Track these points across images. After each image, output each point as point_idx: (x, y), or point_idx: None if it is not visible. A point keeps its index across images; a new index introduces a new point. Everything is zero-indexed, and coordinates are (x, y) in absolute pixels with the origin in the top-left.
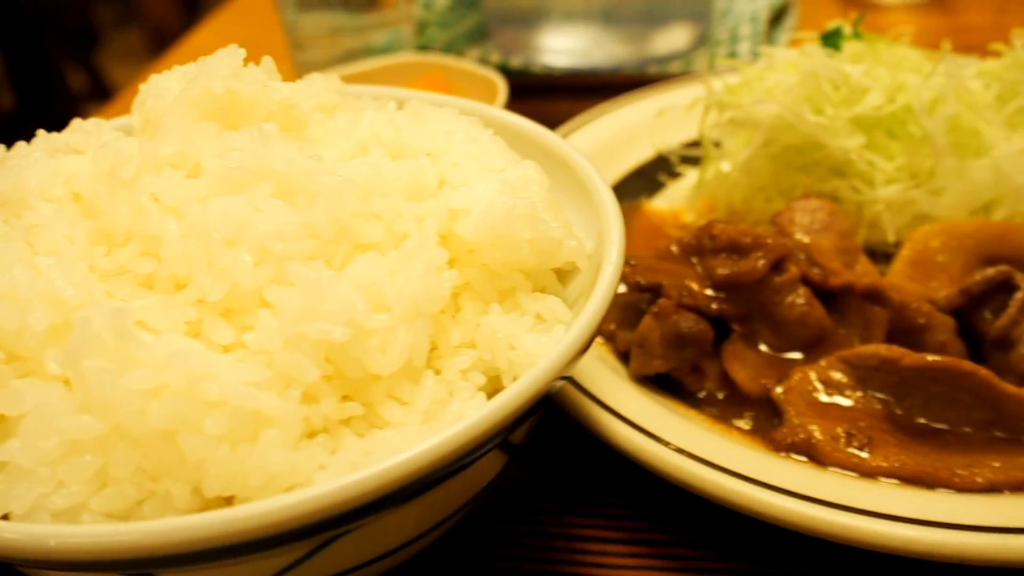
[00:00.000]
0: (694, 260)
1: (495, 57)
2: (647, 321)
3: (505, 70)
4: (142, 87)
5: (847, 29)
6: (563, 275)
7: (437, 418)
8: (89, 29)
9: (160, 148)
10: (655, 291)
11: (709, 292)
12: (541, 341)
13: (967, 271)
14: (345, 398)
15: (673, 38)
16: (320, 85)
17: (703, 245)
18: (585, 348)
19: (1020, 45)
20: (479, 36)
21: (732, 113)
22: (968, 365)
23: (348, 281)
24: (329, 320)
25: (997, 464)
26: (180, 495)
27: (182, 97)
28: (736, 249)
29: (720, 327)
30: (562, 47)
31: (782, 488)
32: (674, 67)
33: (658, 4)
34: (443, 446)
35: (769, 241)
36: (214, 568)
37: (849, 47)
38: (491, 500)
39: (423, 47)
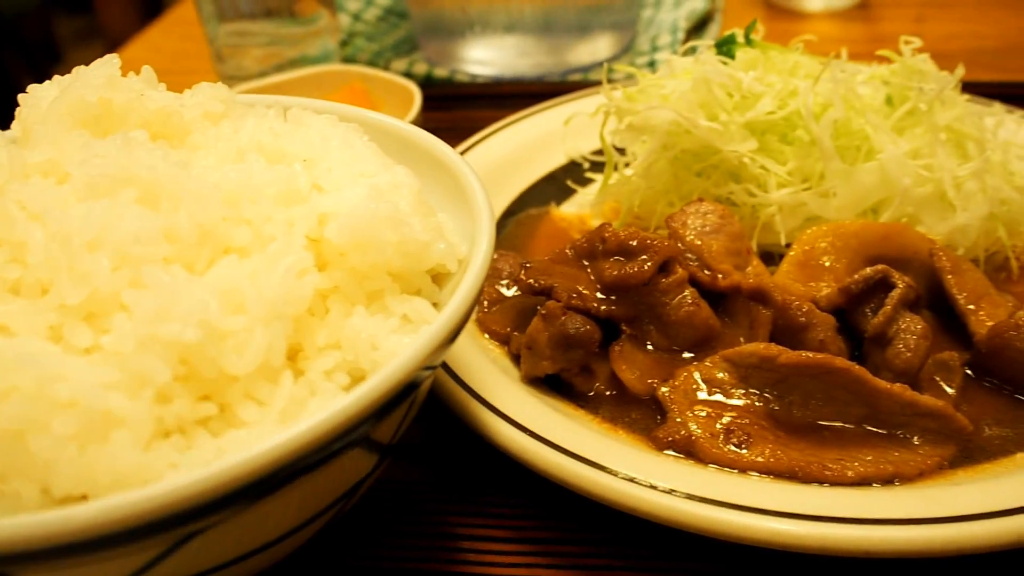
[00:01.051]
0: (586, 263)
1: (421, 68)
2: (535, 323)
3: (431, 80)
4: (21, 97)
5: (740, 37)
6: (441, 278)
7: (295, 417)
8: (50, 44)
9: (29, 156)
10: (547, 294)
11: (599, 294)
12: (403, 342)
13: (852, 271)
14: (205, 398)
15: (598, 47)
16: (206, 94)
17: (595, 248)
18: (443, 346)
19: (908, 52)
20: (409, 47)
21: (630, 120)
22: (841, 362)
23: (205, 284)
24: (181, 322)
25: (869, 458)
26: (29, 495)
27: (55, 106)
28: (625, 252)
29: (612, 328)
30: (487, 57)
31: (656, 485)
32: (596, 76)
33: (585, 14)
34: (287, 444)
35: (656, 244)
36: (70, 567)
37: (744, 54)
38: (378, 500)
39: (349, 58)
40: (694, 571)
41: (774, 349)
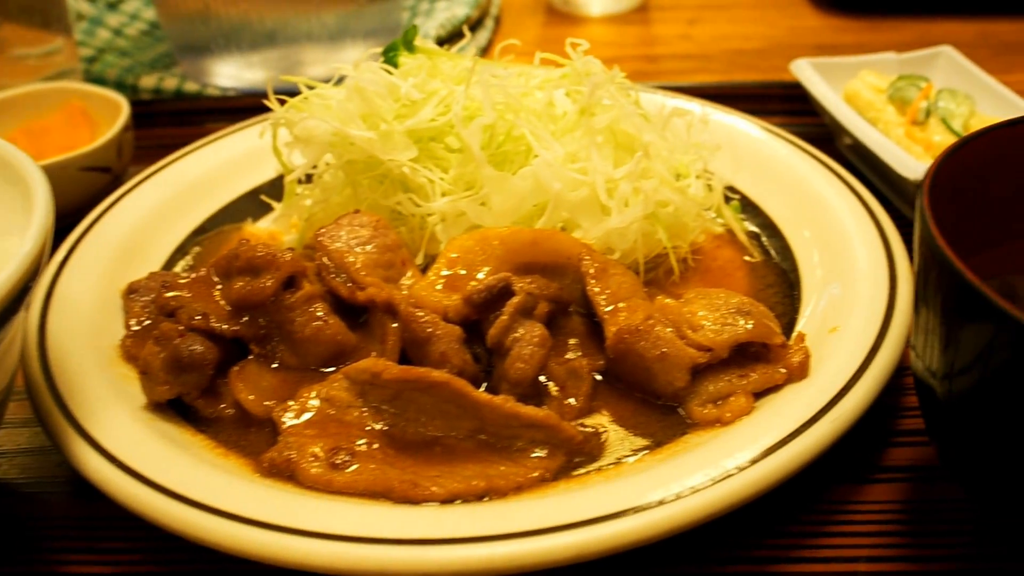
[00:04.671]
0: (218, 282)
1: (171, 82)
2: (148, 347)
3: (180, 94)
4: None
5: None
6: None
7: None
8: None
9: None
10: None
11: (225, 315)
12: None
13: None
14: None
15: (354, 57)
16: None
17: (231, 267)
18: None
19: (576, 55)
20: (168, 62)
21: (295, 131)
22: (438, 375)
23: None
24: None
25: (470, 472)
26: None
27: None
28: (252, 269)
29: (246, 349)
30: (239, 71)
31: (228, 513)
32: None
33: (338, 23)
34: None
35: (280, 260)
36: None
37: (411, 61)
38: None
39: (98, 74)
40: None
41: (381, 364)
